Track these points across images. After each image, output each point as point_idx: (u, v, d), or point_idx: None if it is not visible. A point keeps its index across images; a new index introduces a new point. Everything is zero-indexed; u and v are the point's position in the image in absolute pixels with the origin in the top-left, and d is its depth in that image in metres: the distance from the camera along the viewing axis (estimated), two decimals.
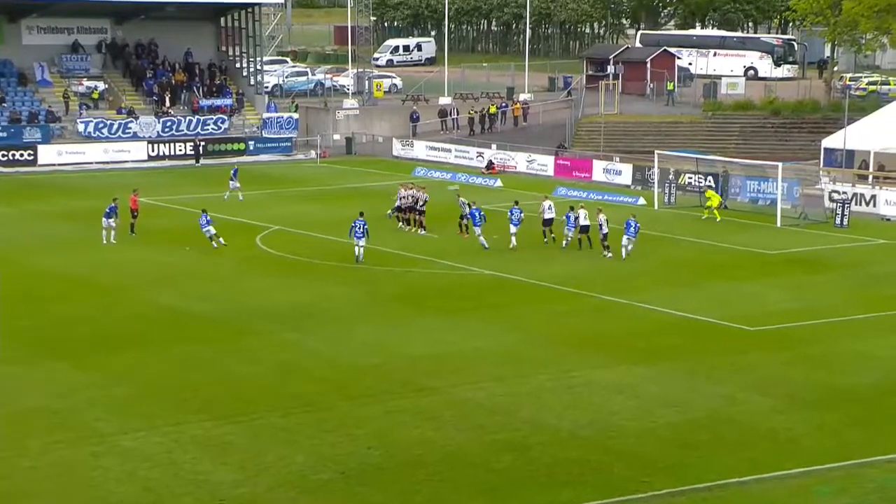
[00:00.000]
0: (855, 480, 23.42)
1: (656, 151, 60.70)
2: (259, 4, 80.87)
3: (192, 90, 77.41)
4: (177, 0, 77.06)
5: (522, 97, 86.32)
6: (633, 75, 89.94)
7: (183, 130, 74.22)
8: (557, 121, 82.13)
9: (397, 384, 29.05)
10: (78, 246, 46.16)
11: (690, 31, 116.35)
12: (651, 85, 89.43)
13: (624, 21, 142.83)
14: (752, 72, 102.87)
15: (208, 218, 45.43)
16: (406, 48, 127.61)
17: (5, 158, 69.02)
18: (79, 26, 77.36)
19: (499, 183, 64.72)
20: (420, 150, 75.68)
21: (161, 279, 40.52)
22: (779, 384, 29.27)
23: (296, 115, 78.95)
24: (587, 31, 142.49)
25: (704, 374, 30.17)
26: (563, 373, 30.01)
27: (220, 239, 45.15)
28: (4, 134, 70.07)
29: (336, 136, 79.87)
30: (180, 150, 73.41)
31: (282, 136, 76.96)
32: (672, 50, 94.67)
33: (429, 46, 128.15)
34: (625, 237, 44.05)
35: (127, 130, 72.72)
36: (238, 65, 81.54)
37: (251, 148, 75.35)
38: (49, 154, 70.39)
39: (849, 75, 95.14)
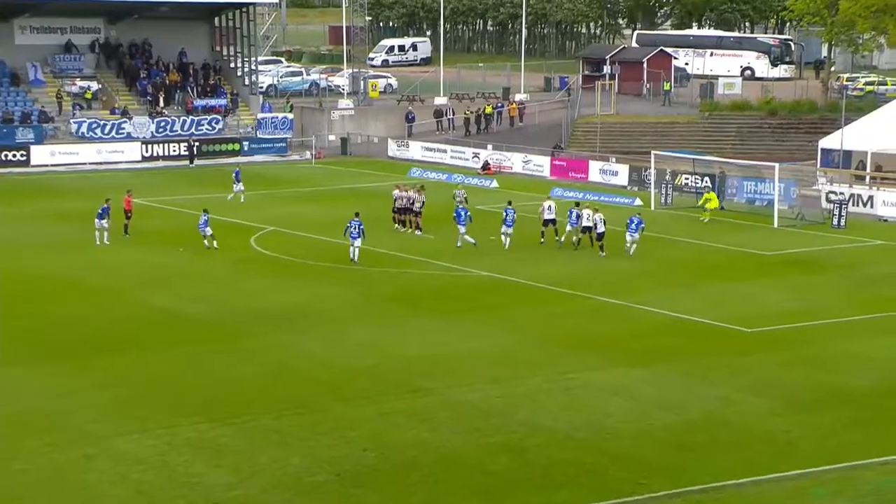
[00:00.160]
0: (851, 483, 23.37)
1: (653, 152, 60.71)
2: (253, 4, 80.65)
3: (186, 90, 77.20)
4: (171, 0, 76.87)
5: (518, 97, 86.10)
6: (629, 75, 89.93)
7: (177, 131, 73.99)
8: (553, 121, 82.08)
9: (392, 385, 28.94)
10: (71, 247, 45.99)
11: (687, 31, 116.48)
12: (647, 85, 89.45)
13: (620, 21, 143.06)
14: (748, 72, 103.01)
15: (206, 219, 45.19)
16: (401, 48, 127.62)
17: None
18: (72, 26, 77.04)
19: (495, 184, 64.65)
20: (415, 150, 75.53)
21: (155, 280, 40.36)
22: (775, 386, 29.20)
23: (290, 116, 78.78)
24: (583, 31, 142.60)
25: (701, 375, 30.08)
26: (559, 374, 29.91)
27: (215, 242, 44.96)
28: None
29: (331, 137, 79.72)
30: (174, 151, 73.22)
31: (276, 136, 76.80)
32: (668, 50, 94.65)
33: (424, 46, 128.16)
34: (628, 234, 44.12)
35: (120, 131, 72.51)
36: (232, 65, 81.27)
37: (246, 148, 75.18)
38: (42, 155, 70.17)
39: (846, 75, 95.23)
